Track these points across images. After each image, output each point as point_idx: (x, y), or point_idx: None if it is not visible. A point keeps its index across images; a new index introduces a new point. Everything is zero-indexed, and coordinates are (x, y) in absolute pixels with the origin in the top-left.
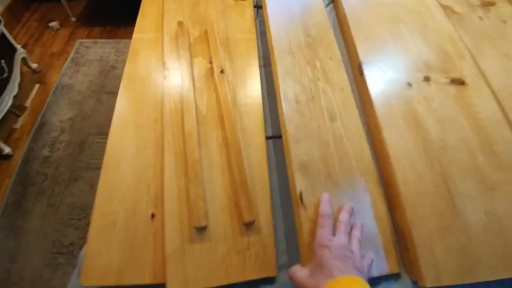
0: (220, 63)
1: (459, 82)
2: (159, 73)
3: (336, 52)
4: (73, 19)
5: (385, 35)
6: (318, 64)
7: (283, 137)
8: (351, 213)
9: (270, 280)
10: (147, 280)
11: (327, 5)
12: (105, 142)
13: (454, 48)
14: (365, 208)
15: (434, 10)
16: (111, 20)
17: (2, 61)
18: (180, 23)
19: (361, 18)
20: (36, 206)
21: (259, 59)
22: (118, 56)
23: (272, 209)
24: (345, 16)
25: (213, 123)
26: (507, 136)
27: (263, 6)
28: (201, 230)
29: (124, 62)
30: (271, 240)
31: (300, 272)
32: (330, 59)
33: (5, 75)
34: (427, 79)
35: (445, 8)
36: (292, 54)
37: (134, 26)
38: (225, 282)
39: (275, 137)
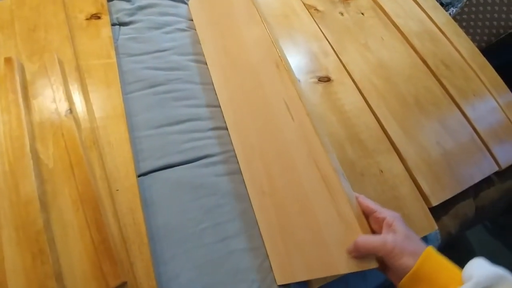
0: (67, 100)
1: (325, 79)
2: None
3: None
4: None
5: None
6: None
7: None
8: None
9: None
10: None
11: None
12: None
13: (319, 47)
14: None
15: (299, 11)
16: None
17: None
18: (7, 60)
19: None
20: None
21: (123, 85)
22: None
23: (151, 260)
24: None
25: (64, 177)
26: (370, 123)
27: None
28: None
29: None
30: None
31: (386, 237)
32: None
33: None
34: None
35: (309, 7)
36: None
37: None
38: None
39: (151, 171)
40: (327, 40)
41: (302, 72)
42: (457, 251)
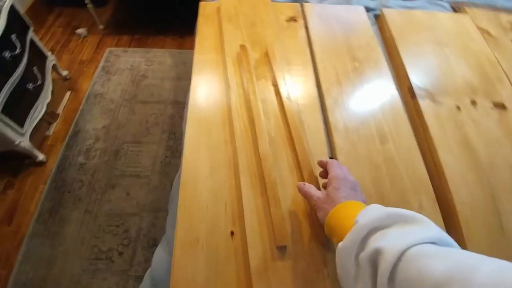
0: (281, 85)
1: (501, 106)
2: (224, 95)
3: (386, 71)
4: (100, 26)
5: (432, 58)
6: (366, 86)
7: None
8: None
9: None
10: None
11: (374, 24)
12: (140, 151)
13: (493, 71)
14: None
15: (473, 33)
16: (139, 28)
17: (35, 68)
18: (242, 47)
19: (408, 40)
20: (73, 213)
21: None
22: (148, 66)
23: None
24: (392, 37)
25: (282, 145)
26: None
27: (307, 35)
28: (282, 248)
29: (154, 71)
30: None
31: (317, 192)
32: (379, 78)
33: (38, 82)
34: (473, 103)
35: (482, 31)
36: (339, 83)
37: (162, 35)
38: None
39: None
40: (500, 66)
41: (479, 94)
42: None
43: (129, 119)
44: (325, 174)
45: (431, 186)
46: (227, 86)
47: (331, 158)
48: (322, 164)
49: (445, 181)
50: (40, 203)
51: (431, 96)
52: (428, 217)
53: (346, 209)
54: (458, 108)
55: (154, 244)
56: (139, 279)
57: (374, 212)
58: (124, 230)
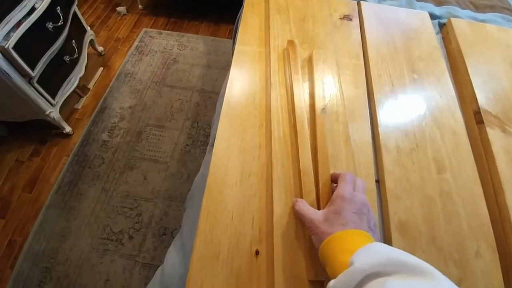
0: (327, 91)
1: None
2: (264, 93)
3: (449, 88)
4: (140, 6)
5: (505, 80)
6: (424, 105)
7: (381, 192)
8: None
9: None
10: None
11: (436, 34)
12: (162, 135)
13: None
14: (475, 276)
15: None
16: (176, 12)
17: (73, 41)
18: (290, 42)
19: (478, 56)
20: (91, 189)
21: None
22: (180, 50)
23: None
24: (459, 51)
25: (322, 160)
26: None
27: (361, 37)
28: (315, 283)
29: (186, 57)
30: None
31: (313, 213)
32: (441, 96)
33: (75, 56)
34: None
35: None
36: (394, 95)
37: (197, 21)
38: None
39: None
40: None
41: None
42: None
43: (155, 102)
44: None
45: (492, 232)
46: (269, 83)
47: (377, 181)
48: (335, 177)
49: (509, 228)
50: (61, 175)
51: (502, 125)
52: (485, 268)
53: (343, 240)
54: None
55: (164, 233)
56: (146, 266)
57: (374, 254)
58: (137, 214)
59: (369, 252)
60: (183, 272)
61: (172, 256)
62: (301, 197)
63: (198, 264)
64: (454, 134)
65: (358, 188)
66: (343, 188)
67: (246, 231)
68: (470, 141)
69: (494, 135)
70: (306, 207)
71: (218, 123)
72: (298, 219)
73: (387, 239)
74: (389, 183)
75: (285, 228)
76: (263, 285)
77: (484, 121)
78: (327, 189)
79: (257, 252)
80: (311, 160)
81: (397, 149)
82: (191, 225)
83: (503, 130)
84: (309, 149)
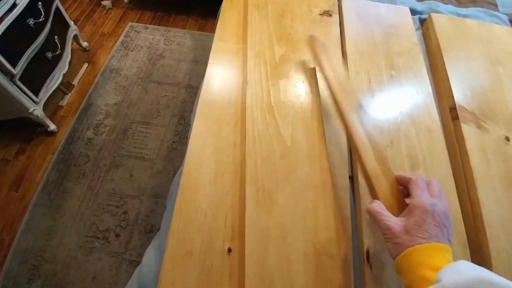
0: (308, 88)
1: None
2: (240, 91)
3: (426, 84)
4: (125, 0)
5: (483, 76)
6: (401, 102)
7: (355, 188)
8: None
9: None
10: None
11: (417, 29)
12: (148, 132)
13: None
14: None
15: None
16: (162, 6)
17: (56, 37)
18: (267, 39)
19: (457, 52)
20: (76, 187)
21: None
22: (167, 45)
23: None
24: (438, 47)
25: (299, 157)
26: None
27: (340, 33)
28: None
29: (172, 52)
30: None
31: (393, 220)
32: (417, 93)
33: (57, 52)
34: None
35: None
36: (371, 92)
37: (185, 15)
38: None
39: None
40: None
41: None
42: None
43: (141, 99)
44: (406, 193)
45: (463, 228)
46: (245, 81)
47: (350, 177)
48: (403, 181)
49: (481, 224)
50: (46, 173)
51: (477, 121)
52: None
53: (424, 255)
54: (507, 139)
55: (151, 230)
56: (133, 263)
57: (462, 272)
58: (123, 211)
59: (456, 271)
60: (158, 271)
61: (149, 255)
62: (268, 192)
63: (171, 263)
64: (429, 131)
65: (434, 192)
66: (421, 197)
67: (219, 229)
68: (445, 138)
69: (469, 131)
70: (383, 211)
71: (193, 120)
72: (273, 218)
73: (359, 236)
74: (363, 180)
75: (257, 225)
76: (235, 282)
77: (460, 117)
78: (395, 192)
79: (229, 250)
80: (375, 162)
81: (371, 145)
82: (168, 224)
83: (479, 126)
84: (371, 150)
